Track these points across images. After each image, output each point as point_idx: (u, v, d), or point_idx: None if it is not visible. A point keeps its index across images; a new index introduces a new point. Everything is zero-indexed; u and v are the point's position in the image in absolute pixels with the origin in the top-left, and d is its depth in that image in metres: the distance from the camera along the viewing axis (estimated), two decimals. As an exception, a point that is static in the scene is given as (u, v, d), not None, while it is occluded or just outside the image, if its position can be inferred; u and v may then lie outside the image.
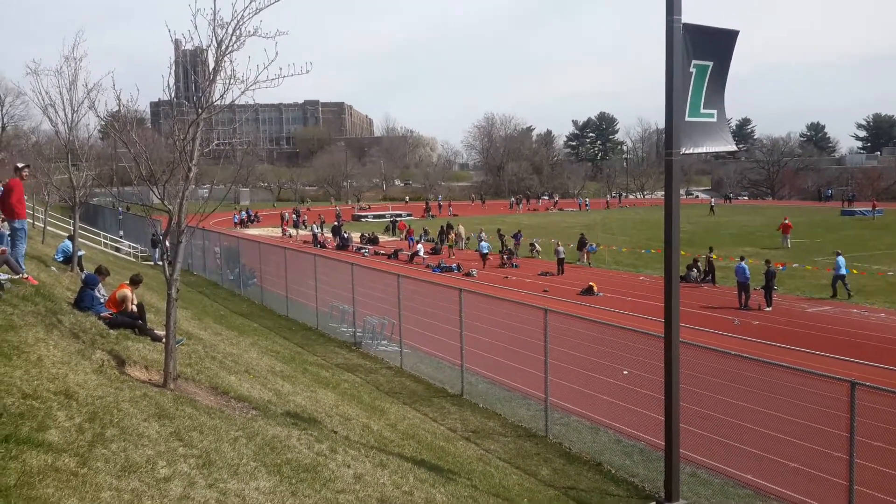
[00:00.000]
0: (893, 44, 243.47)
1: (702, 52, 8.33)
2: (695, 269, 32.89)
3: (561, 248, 37.06)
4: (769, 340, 21.17)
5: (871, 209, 66.33)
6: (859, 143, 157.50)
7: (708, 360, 13.10)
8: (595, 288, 30.02)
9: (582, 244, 40.84)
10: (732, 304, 26.97)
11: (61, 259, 18.55)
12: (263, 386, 12.06)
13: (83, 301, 12.15)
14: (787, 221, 45.65)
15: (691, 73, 8.31)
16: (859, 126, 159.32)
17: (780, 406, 13.07)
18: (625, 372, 15.98)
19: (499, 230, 46.76)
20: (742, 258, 28.57)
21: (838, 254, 28.91)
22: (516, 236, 44.58)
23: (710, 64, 8.44)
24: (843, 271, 28.33)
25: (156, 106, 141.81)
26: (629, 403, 14.49)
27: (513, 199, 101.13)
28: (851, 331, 22.43)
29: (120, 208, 49.94)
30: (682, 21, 8.04)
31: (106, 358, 9.53)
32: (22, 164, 14.57)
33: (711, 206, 77.14)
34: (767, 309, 25.92)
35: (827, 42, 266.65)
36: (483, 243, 40.91)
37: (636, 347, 15.08)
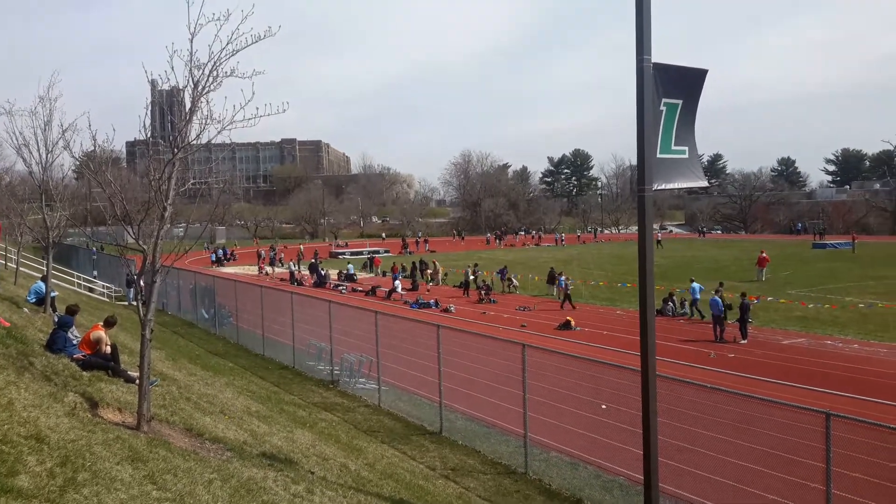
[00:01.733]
0: (860, 80, 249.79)
1: (672, 90, 8.49)
2: (670, 303, 33.15)
3: (570, 282, 38.19)
4: (745, 373, 21.30)
5: (850, 242, 67.55)
6: (829, 178, 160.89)
7: (685, 393, 13.13)
8: (572, 322, 30.10)
9: (552, 278, 41.95)
10: (708, 337, 27.14)
11: (34, 300, 18.32)
12: (239, 427, 11.91)
13: (56, 343, 11.99)
14: (763, 255, 46.23)
15: (662, 110, 8.46)
16: (828, 161, 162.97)
17: (757, 438, 13.11)
18: (603, 406, 15.97)
19: (475, 265, 46.97)
20: (716, 291, 28.82)
21: (692, 280, 33.48)
22: (501, 272, 44.54)
23: (680, 102, 8.61)
24: (697, 296, 31.93)
25: (131, 145, 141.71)
26: (608, 438, 14.46)
27: (489, 234, 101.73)
28: (826, 362, 22.64)
29: (94, 248, 49.55)
30: (653, 60, 8.21)
31: (78, 400, 9.38)
32: None
33: (658, 240, 78.55)
34: (743, 341, 26.11)
35: (796, 78, 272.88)
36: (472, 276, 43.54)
37: (614, 381, 15.09)
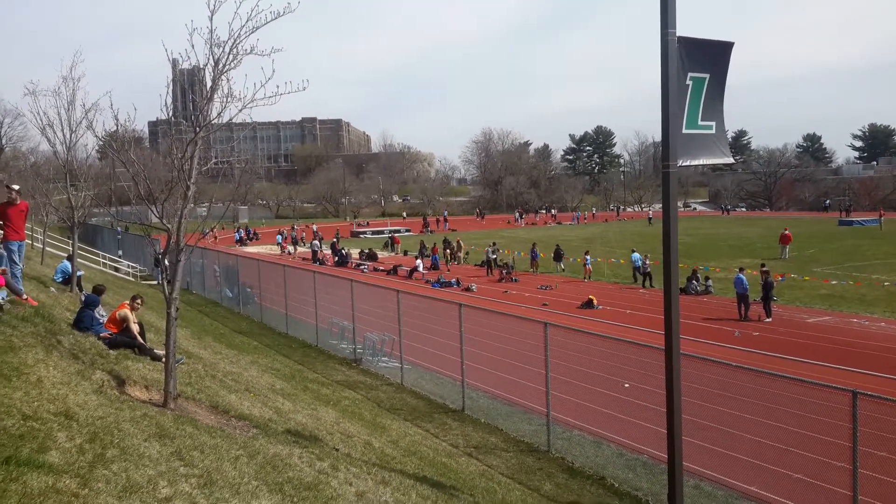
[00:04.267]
0: (887, 54, 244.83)
1: (698, 64, 8.34)
2: (694, 281, 32.89)
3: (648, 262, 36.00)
4: (770, 351, 21.14)
5: (877, 219, 66.75)
6: (856, 154, 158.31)
7: (709, 372, 13.07)
8: (595, 301, 30.00)
9: (558, 256, 42.86)
10: (732, 316, 26.94)
11: (60, 279, 18.54)
12: (264, 404, 12.02)
13: (82, 321, 12.14)
14: (786, 232, 45.72)
15: (688, 85, 8.33)
16: (855, 136, 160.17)
17: (783, 416, 13.04)
18: (626, 385, 15.94)
19: (493, 243, 46.87)
20: (741, 269, 28.58)
21: (633, 250, 38.00)
22: (533, 252, 43.86)
23: (707, 76, 8.45)
24: (638, 263, 36.34)
25: (154, 125, 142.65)
26: (631, 416, 14.45)
27: (516, 213, 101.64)
28: (852, 340, 22.40)
29: (118, 228, 50.04)
30: (677, 34, 8.07)
31: (106, 378, 9.50)
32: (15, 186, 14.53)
33: (649, 218, 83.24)
34: (767, 320, 25.90)
35: (822, 54, 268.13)
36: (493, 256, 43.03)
37: (637, 360, 15.06)
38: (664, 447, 8.46)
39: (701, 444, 12.33)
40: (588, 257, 39.73)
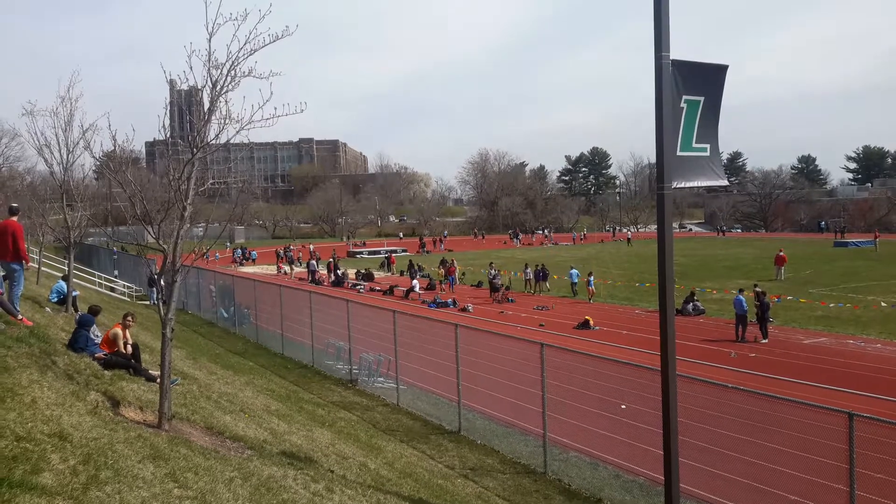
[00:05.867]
0: (880, 75, 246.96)
1: (692, 87, 8.42)
2: (691, 304, 32.85)
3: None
4: (766, 372, 21.11)
5: (872, 240, 67.03)
6: (850, 175, 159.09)
7: (706, 393, 13.04)
8: (591, 322, 29.97)
9: (544, 275, 43.35)
10: (729, 337, 26.92)
11: (56, 300, 18.48)
12: (259, 425, 11.96)
13: (77, 342, 12.10)
14: (781, 253, 45.80)
15: (682, 108, 8.39)
16: (850, 158, 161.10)
17: (779, 438, 12.99)
18: (623, 406, 15.88)
19: (490, 263, 46.87)
20: (741, 290, 28.61)
21: (572, 268, 42.05)
22: (538, 272, 43.17)
23: (702, 99, 8.52)
24: (574, 280, 40.45)
25: (151, 145, 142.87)
26: (628, 438, 14.38)
27: (510, 233, 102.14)
28: (848, 362, 22.38)
29: (114, 248, 49.98)
30: (671, 58, 8.15)
31: (100, 399, 9.46)
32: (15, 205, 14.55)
33: (629, 239, 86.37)
34: (764, 341, 25.87)
35: (816, 74, 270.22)
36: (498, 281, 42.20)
37: (633, 381, 15.00)
38: (661, 469, 8.44)
39: (698, 465, 12.27)
40: (591, 278, 39.62)
